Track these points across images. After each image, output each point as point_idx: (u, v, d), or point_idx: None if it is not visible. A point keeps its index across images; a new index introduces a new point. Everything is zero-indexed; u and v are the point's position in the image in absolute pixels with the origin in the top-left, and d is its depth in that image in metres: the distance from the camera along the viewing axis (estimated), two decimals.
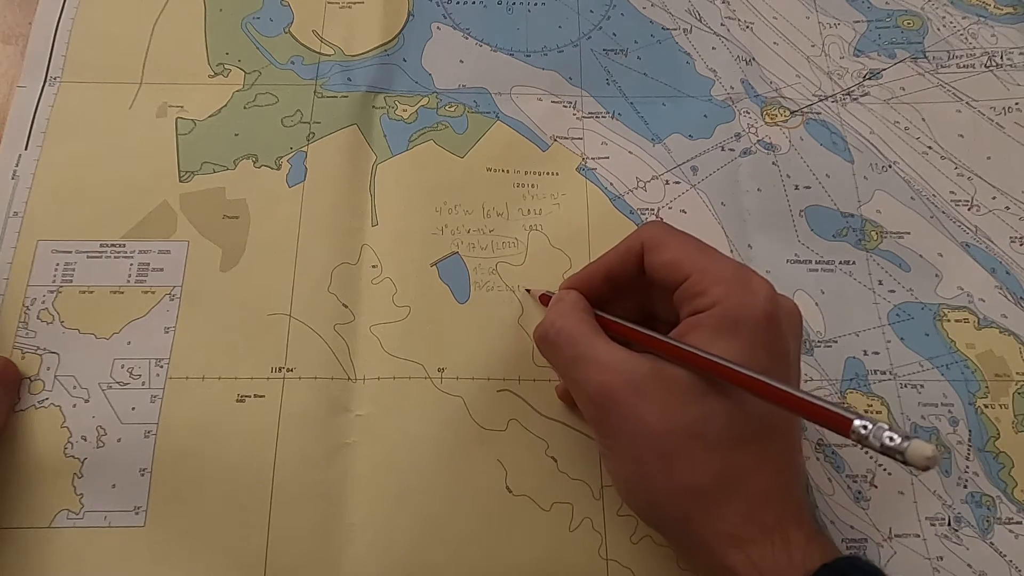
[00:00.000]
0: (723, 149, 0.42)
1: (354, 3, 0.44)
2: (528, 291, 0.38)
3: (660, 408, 0.28)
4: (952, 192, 0.41)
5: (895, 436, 0.23)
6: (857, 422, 0.24)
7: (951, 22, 0.46)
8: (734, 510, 0.27)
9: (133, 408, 0.35)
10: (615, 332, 0.31)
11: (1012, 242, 0.40)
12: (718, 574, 0.28)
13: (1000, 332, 0.38)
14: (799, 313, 0.31)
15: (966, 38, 0.45)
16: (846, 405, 0.25)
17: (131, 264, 0.37)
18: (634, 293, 0.33)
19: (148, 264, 0.37)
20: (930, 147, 0.42)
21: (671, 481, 0.28)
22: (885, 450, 0.23)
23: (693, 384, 0.28)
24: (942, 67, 0.45)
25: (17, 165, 0.39)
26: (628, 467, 0.29)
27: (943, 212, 0.41)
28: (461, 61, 0.43)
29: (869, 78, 0.44)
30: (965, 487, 0.35)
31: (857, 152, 0.42)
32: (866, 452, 0.36)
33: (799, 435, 0.30)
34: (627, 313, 0.33)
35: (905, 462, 0.23)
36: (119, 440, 0.34)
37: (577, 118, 0.42)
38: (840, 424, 0.25)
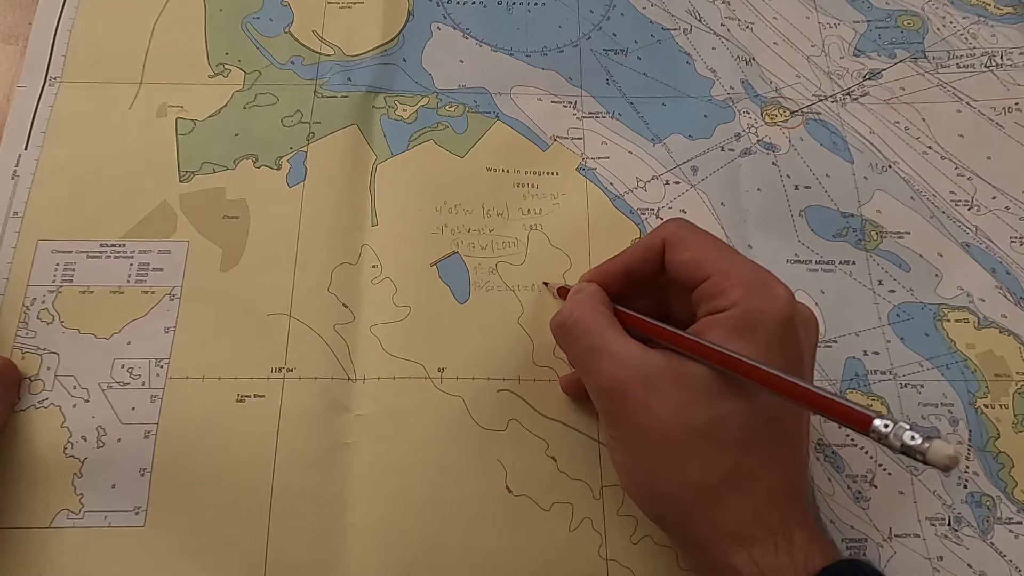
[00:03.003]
0: (723, 149, 0.42)
1: (354, 3, 0.44)
2: (546, 284, 0.38)
3: (673, 404, 0.28)
4: (952, 192, 0.41)
5: (916, 436, 0.23)
6: (878, 421, 0.24)
7: (951, 22, 0.46)
8: (740, 509, 0.27)
9: (133, 408, 0.35)
10: (633, 327, 0.31)
11: (1012, 242, 0.40)
12: (719, 572, 0.28)
13: (1000, 332, 0.38)
14: (816, 322, 0.31)
15: (966, 38, 0.45)
16: (864, 405, 0.25)
17: (131, 264, 0.37)
18: (651, 290, 0.33)
19: (148, 264, 0.37)
20: (930, 147, 0.42)
21: (679, 477, 0.28)
22: (906, 450, 0.23)
23: (707, 383, 0.28)
24: (942, 67, 0.45)
25: (17, 165, 0.39)
26: (636, 460, 0.29)
27: (943, 212, 0.41)
28: (461, 61, 0.44)
29: (869, 78, 0.44)
30: (965, 487, 0.35)
31: (857, 152, 0.42)
32: (866, 452, 0.36)
33: (807, 438, 0.30)
34: (643, 310, 0.33)
35: (926, 462, 0.23)
36: (119, 440, 0.34)
37: (577, 118, 0.42)
38: (860, 422, 0.24)
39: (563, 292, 0.36)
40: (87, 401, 0.35)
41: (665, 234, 0.32)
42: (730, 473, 0.27)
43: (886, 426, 0.24)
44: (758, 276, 0.29)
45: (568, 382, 0.36)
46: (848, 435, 0.36)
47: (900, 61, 0.45)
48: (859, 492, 0.35)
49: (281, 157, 0.40)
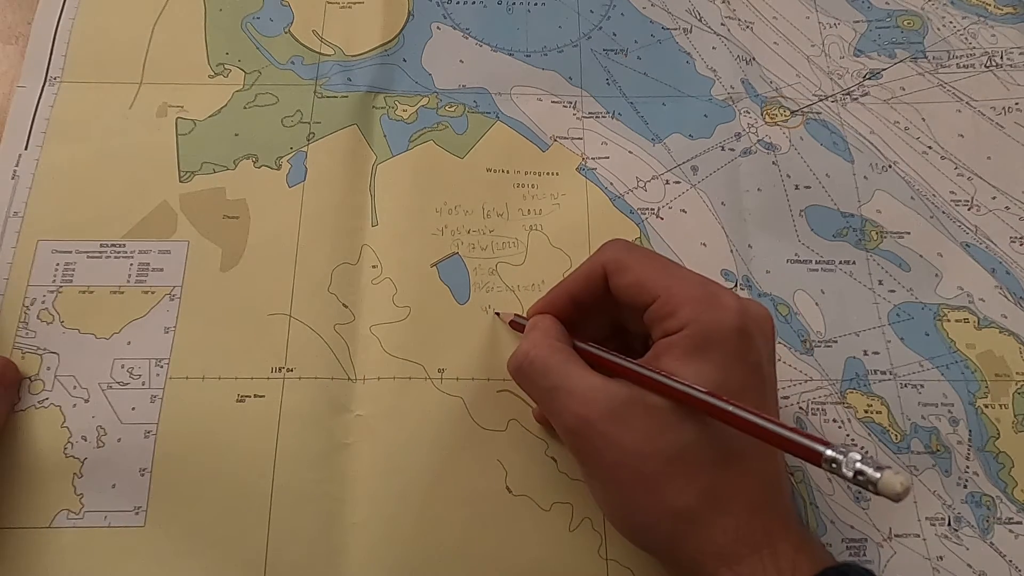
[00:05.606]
0: (723, 149, 0.42)
1: (354, 3, 0.44)
2: (498, 314, 0.37)
3: (639, 434, 0.27)
4: (952, 192, 0.41)
5: (867, 466, 0.23)
6: (829, 452, 0.24)
7: (951, 22, 0.46)
8: (722, 529, 0.27)
9: (133, 408, 0.35)
10: (589, 358, 0.30)
11: (1012, 242, 0.40)
12: None
13: (1000, 332, 0.38)
14: (770, 317, 0.30)
15: (966, 38, 0.45)
16: (816, 437, 0.25)
17: (131, 264, 0.37)
18: (604, 310, 0.33)
19: (148, 264, 0.37)
20: (930, 147, 0.42)
21: (656, 505, 0.28)
22: (857, 481, 0.23)
23: (672, 409, 0.27)
24: (942, 67, 0.45)
25: (17, 165, 0.39)
26: (612, 494, 0.29)
27: (943, 212, 0.41)
28: (461, 61, 0.43)
29: (869, 78, 0.44)
30: (965, 487, 0.35)
31: (857, 152, 0.42)
32: (866, 452, 0.36)
33: None
34: (599, 328, 0.33)
35: (878, 492, 0.23)
36: (119, 440, 0.34)
37: (577, 118, 0.42)
38: (811, 456, 0.24)
39: (516, 325, 0.36)
40: (87, 401, 0.35)
41: (604, 260, 0.31)
42: (707, 495, 0.27)
43: (838, 456, 0.24)
44: (705, 290, 0.29)
45: (541, 414, 0.35)
46: (848, 435, 0.36)
47: (900, 61, 0.45)
48: (859, 492, 0.35)
49: (281, 157, 0.40)
